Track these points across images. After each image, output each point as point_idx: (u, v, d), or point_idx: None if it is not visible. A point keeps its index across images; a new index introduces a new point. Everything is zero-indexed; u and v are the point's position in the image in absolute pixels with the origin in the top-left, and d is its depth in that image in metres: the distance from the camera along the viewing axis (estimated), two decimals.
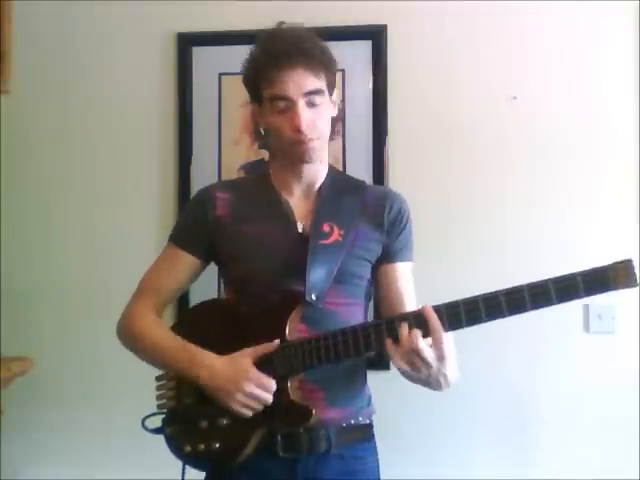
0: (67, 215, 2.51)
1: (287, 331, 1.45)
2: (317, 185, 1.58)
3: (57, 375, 2.45)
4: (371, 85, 2.39)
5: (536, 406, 2.29)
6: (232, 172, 2.42)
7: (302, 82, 1.46)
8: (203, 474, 1.56)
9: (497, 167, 2.35)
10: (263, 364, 1.43)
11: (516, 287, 1.32)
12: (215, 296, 2.12)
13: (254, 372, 1.42)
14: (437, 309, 1.35)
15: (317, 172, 1.58)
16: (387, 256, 1.58)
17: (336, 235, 1.52)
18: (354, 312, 1.54)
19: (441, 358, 1.35)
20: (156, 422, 1.56)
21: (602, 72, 2.33)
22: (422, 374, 1.37)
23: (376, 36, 2.38)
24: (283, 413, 1.43)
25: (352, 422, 1.52)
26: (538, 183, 2.33)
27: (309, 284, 1.46)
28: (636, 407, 2.22)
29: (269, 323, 1.46)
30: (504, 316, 1.32)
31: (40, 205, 2.52)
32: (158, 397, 1.57)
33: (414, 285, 1.61)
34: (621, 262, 1.25)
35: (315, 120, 1.48)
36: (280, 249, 1.52)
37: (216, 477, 1.53)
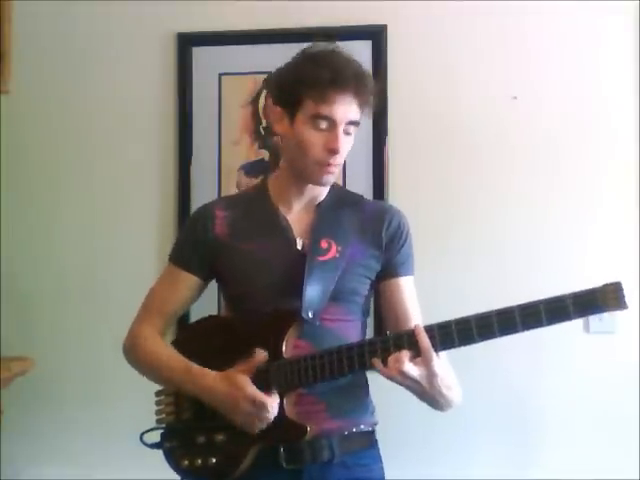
0: (67, 215, 2.51)
1: (284, 348, 1.46)
2: (317, 201, 1.60)
3: (57, 375, 2.44)
4: None
5: (536, 406, 2.29)
6: (232, 172, 2.43)
7: (349, 109, 1.48)
8: None
9: (497, 167, 2.35)
10: (261, 381, 1.45)
11: (507, 308, 1.33)
12: (215, 313, 2.11)
13: (250, 389, 1.42)
14: (429, 329, 1.37)
15: (320, 190, 1.59)
16: (388, 271, 1.59)
17: (334, 252, 1.53)
18: (351, 328, 1.55)
19: (431, 376, 1.37)
20: (154, 437, 1.57)
21: (602, 72, 2.33)
22: (416, 391, 1.41)
23: (376, 36, 2.38)
24: (278, 429, 1.44)
25: (354, 430, 1.52)
26: (538, 183, 2.33)
27: (305, 301, 1.47)
28: (636, 407, 2.22)
29: (266, 340, 1.47)
30: (495, 336, 1.35)
31: (40, 205, 2.52)
32: (157, 412, 1.58)
33: (416, 282, 1.62)
34: (611, 284, 1.27)
35: (345, 149, 1.51)
36: (278, 266, 1.53)
37: None
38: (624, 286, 1.26)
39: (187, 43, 2.46)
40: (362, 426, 1.54)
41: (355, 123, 1.51)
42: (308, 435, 1.42)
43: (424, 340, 1.36)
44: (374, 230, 1.58)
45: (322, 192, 1.60)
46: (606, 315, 2.23)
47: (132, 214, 2.48)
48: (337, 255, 1.52)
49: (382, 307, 1.62)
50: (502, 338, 2.22)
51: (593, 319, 2.28)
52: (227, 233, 1.57)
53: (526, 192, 2.33)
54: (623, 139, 2.31)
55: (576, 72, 2.34)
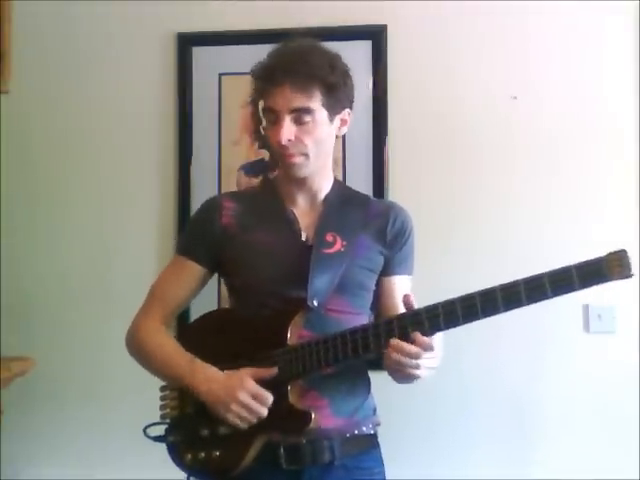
0: (67, 215, 2.51)
1: (288, 336, 1.46)
2: (321, 196, 1.60)
3: (57, 375, 2.44)
4: (371, 85, 2.39)
5: (536, 406, 2.29)
6: (232, 172, 2.43)
7: (289, 98, 1.48)
8: None
9: (498, 167, 2.35)
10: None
11: (512, 282, 1.32)
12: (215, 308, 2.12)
13: (250, 383, 1.43)
14: (434, 307, 1.36)
15: (319, 185, 1.59)
16: (387, 269, 1.60)
17: (339, 245, 1.53)
18: (358, 321, 1.53)
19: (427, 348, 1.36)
20: (157, 431, 1.56)
21: (602, 72, 2.33)
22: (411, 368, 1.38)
23: (376, 36, 2.38)
24: (282, 418, 1.43)
25: (356, 432, 1.52)
26: (539, 183, 2.33)
27: (311, 291, 1.47)
28: (636, 407, 2.22)
29: (271, 329, 1.47)
30: (500, 311, 1.32)
31: (40, 205, 2.52)
32: (161, 407, 1.57)
33: (417, 282, 1.62)
34: (615, 252, 1.25)
35: (302, 137, 1.49)
36: (284, 257, 1.53)
37: None
38: (628, 254, 1.24)
39: (187, 43, 2.47)
40: (364, 428, 1.54)
41: (303, 110, 1.49)
42: (313, 423, 1.41)
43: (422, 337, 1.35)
44: (379, 227, 1.59)
45: (323, 187, 1.60)
46: (606, 315, 2.27)
47: (132, 214, 2.48)
48: (342, 249, 1.53)
49: (376, 303, 1.62)
50: (502, 339, 2.25)
51: (593, 319, 2.29)
52: (234, 224, 1.58)
53: (527, 192, 2.33)
54: (623, 139, 2.31)
55: (576, 72, 2.34)
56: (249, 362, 1.46)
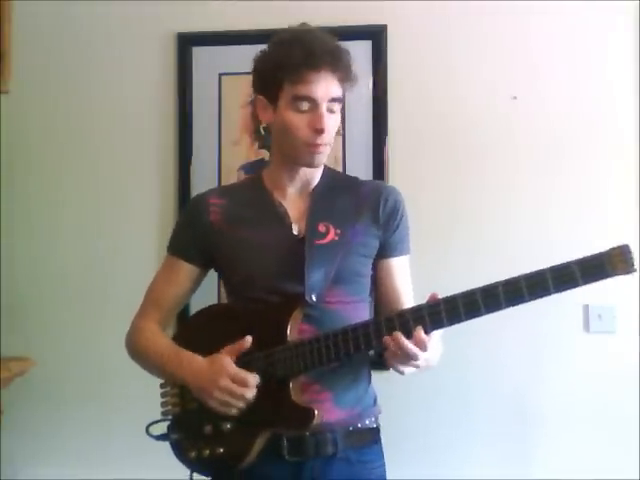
0: (67, 215, 2.51)
1: (288, 332, 1.45)
2: (311, 186, 1.59)
3: (57, 375, 2.44)
4: (371, 85, 2.39)
5: (536, 406, 2.29)
6: (232, 172, 2.43)
7: (329, 87, 1.46)
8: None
9: (498, 167, 2.35)
10: (264, 366, 1.44)
11: (514, 277, 1.31)
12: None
13: (230, 367, 1.42)
14: (436, 303, 1.35)
15: (312, 174, 1.58)
16: (384, 251, 1.58)
17: (332, 235, 1.52)
18: (358, 309, 1.54)
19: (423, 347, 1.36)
20: (159, 429, 1.56)
21: (603, 72, 2.33)
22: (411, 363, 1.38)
23: (376, 36, 2.38)
24: (286, 415, 1.43)
25: (359, 425, 1.52)
26: (540, 183, 2.33)
27: (308, 285, 1.46)
28: (636, 407, 2.22)
29: (271, 326, 1.46)
30: (502, 307, 1.32)
31: (40, 205, 2.52)
32: (162, 404, 1.57)
33: (418, 283, 1.62)
34: (617, 247, 1.25)
35: (331, 127, 1.48)
36: (277, 252, 1.52)
37: None
38: (631, 249, 1.23)
39: (187, 43, 2.47)
40: (367, 421, 1.54)
41: (338, 100, 1.49)
42: (317, 419, 1.40)
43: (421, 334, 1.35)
44: (371, 209, 1.56)
45: (315, 176, 1.58)
46: (606, 315, 2.27)
47: (132, 214, 2.48)
48: (336, 238, 1.51)
49: (375, 286, 1.60)
50: (502, 338, 2.25)
51: (593, 319, 2.29)
52: (222, 220, 1.57)
53: (528, 192, 2.33)
54: (624, 138, 2.31)
55: (577, 72, 2.34)
56: (249, 359, 1.45)
